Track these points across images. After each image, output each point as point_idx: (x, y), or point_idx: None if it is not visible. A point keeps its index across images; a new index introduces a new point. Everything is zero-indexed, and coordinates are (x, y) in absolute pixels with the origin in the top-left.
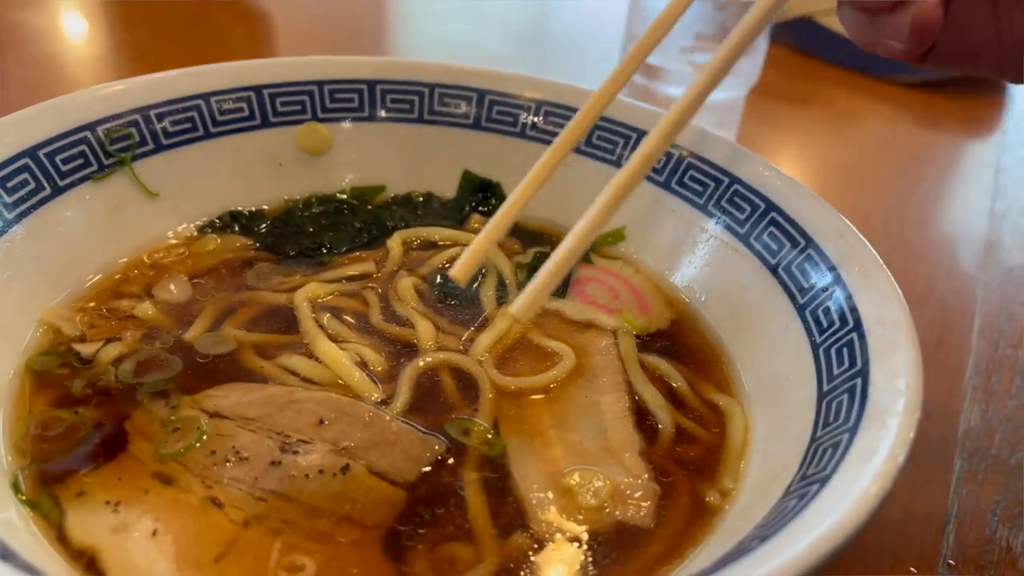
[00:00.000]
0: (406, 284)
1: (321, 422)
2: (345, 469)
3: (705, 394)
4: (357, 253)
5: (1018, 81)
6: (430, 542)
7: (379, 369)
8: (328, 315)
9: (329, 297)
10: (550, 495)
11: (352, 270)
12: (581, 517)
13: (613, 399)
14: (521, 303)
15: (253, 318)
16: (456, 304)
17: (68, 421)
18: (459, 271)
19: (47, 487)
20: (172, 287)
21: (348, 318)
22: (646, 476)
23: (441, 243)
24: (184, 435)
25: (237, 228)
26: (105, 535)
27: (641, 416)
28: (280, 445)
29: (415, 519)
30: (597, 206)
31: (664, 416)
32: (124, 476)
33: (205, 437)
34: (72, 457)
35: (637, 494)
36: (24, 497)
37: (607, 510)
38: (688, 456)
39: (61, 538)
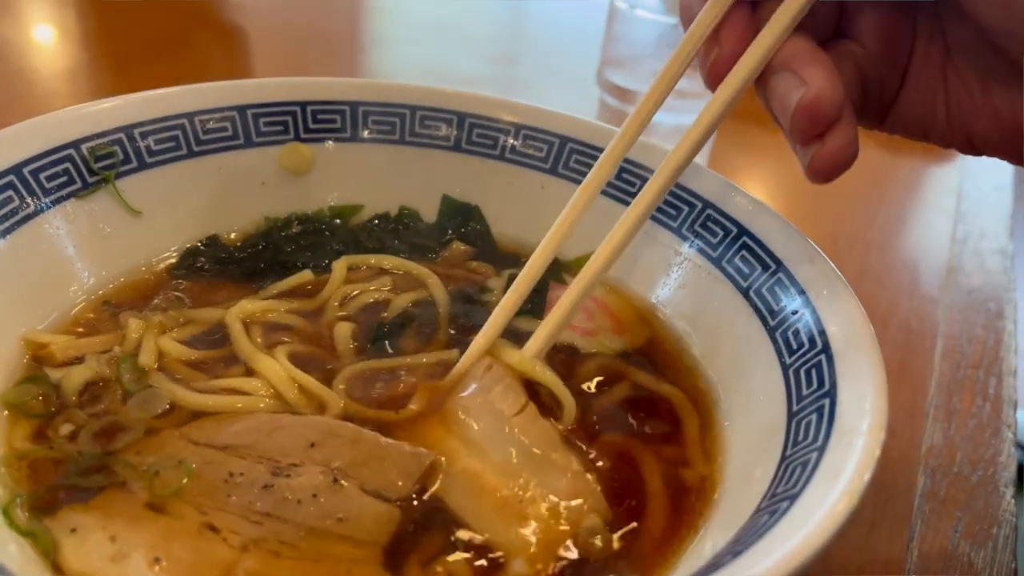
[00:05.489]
0: (343, 329)
1: (312, 445)
2: (337, 489)
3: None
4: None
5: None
6: (426, 557)
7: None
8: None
9: (269, 315)
10: (507, 524)
11: (286, 285)
12: (541, 535)
13: (508, 399)
14: (532, 347)
15: (193, 338)
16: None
17: (53, 453)
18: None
19: (38, 518)
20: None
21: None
22: (576, 465)
23: (393, 271)
24: (171, 474)
25: (213, 245)
26: (104, 564)
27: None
28: (271, 469)
29: (410, 535)
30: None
31: (566, 396)
32: (116, 505)
33: (189, 476)
34: (61, 488)
35: (578, 490)
36: (16, 525)
37: (563, 521)
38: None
39: (56, 568)
